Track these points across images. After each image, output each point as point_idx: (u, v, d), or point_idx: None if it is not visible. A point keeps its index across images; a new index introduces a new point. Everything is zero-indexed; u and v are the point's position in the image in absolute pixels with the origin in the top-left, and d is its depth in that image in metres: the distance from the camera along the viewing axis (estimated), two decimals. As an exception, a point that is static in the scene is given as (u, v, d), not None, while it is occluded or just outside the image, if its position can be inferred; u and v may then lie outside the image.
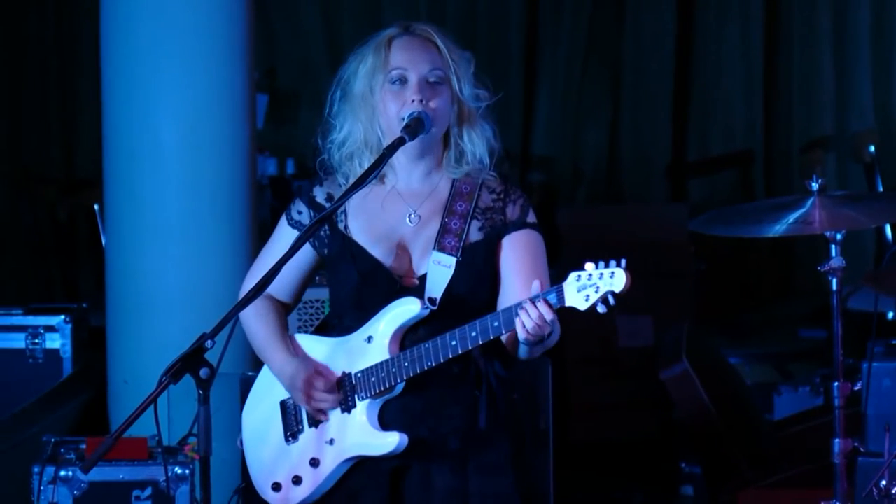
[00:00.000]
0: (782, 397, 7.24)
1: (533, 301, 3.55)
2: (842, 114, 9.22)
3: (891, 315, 7.57)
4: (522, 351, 3.73)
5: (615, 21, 9.35)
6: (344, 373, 3.78)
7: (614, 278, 3.51)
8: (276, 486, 3.83)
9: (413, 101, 3.74)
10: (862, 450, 4.91)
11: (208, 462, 3.52)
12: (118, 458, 5.03)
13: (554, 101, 9.32)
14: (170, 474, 5.07)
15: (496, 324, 3.61)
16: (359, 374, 3.75)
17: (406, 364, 3.69)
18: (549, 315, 3.56)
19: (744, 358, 8.00)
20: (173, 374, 3.46)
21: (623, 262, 3.51)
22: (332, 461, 3.77)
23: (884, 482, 4.63)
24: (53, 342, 6.16)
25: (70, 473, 5.04)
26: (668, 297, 7.88)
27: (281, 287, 3.90)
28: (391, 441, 3.73)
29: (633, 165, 9.34)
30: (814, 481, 5.36)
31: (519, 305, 3.57)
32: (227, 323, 3.57)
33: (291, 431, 3.84)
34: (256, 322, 3.91)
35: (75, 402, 5.96)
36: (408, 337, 3.75)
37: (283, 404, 3.87)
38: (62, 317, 6.19)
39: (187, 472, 5.07)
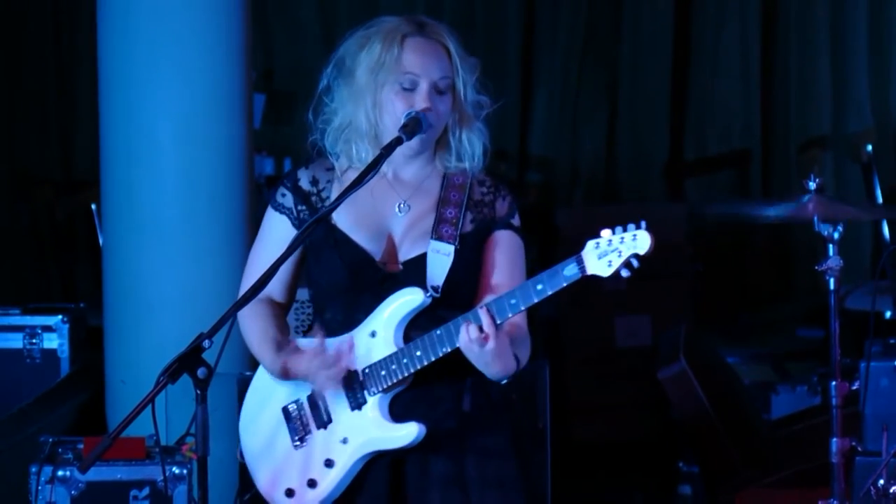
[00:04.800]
0: (780, 397, 7.25)
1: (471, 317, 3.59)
2: (839, 113, 9.21)
3: (888, 314, 7.57)
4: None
5: (612, 21, 9.35)
6: (349, 370, 3.77)
7: (637, 240, 3.50)
8: (290, 492, 3.80)
9: (422, 107, 3.75)
10: (860, 449, 4.92)
11: (206, 462, 3.52)
12: (116, 457, 5.03)
13: (551, 102, 9.32)
14: (167, 474, 5.07)
15: (513, 301, 3.62)
16: (367, 370, 3.74)
17: (418, 353, 3.68)
18: (474, 334, 3.57)
19: (741, 357, 8.00)
20: (171, 373, 3.46)
21: (643, 223, 3.51)
22: (347, 459, 3.75)
23: (881, 481, 4.64)
24: (51, 342, 6.16)
25: (68, 473, 5.04)
26: (666, 296, 7.88)
27: (274, 286, 3.87)
28: (410, 432, 3.72)
29: (630, 165, 9.33)
30: (811, 481, 5.36)
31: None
32: (225, 323, 3.57)
33: (299, 436, 3.81)
34: (250, 325, 3.89)
35: (73, 401, 5.96)
36: (410, 328, 3.74)
37: (285, 410, 3.84)
38: (60, 317, 6.19)
39: (185, 471, 5.07)
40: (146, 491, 5.07)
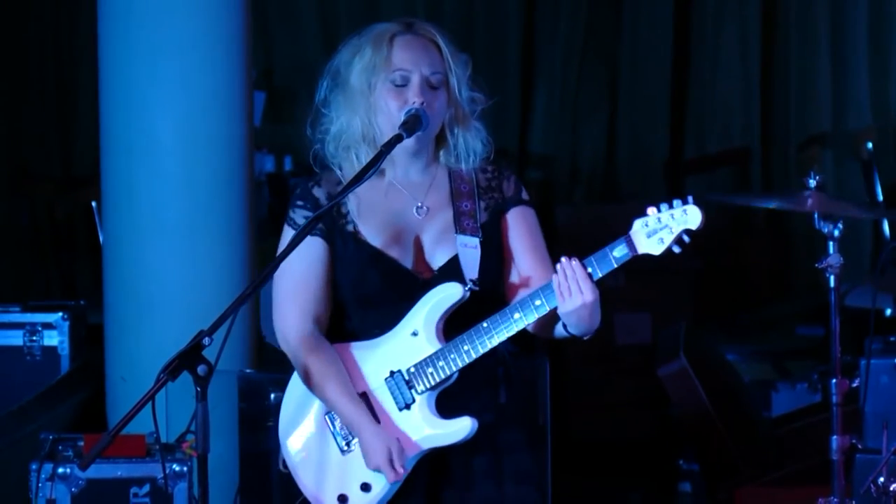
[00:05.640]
0: (780, 394, 7.25)
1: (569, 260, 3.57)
2: (839, 111, 9.22)
3: (888, 312, 7.57)
4: (559, 329, 3.73)
5: (612, 19, 9.35)
6: (391, 371, 3.75)
7: (689, 215, 3.54)
8: (343, 498, 3.75)
9: (415, 102, 3.75)
10: (860, 446, 4.92)
11: (206, 459, 3.51)
12: (116, 455, 5.03)
13: (551, 100, 9.32)
14: (167, 471, 5.07)
15: None
16: (411, 369, 3.72)
17: (466, 348, 3.67)
18: (582, 276, 3.56)
19: (741, 355, 8.00)
20: (171, 371, 3.46)
21: (690, 198, 3.54)
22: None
23: (882, 479, 4.64)
24: (51, 339, 6.16)
25: (68, 470, 5.04)
26: (666, 294, 7.88)
27: (322, 306, 3.82)
28: (464, 426, 3.69)
29: (630, 163, 9.33)
30: (812, 478, 5.37)
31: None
32: (225, 320, 3.57)
33: (346, 441, 3.77)
34: (324, 374, 3.77)
35: (73, 399, 5.96)
36: (448, 326, 3.72)
37: (329, 416, 3.80)
38: (60, 314, 6.19)
39: (185, 469, 5.08)
40: (146, 488, 5.07)
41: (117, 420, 3.50)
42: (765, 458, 6.11)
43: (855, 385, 4.84)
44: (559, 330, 3.74)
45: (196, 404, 3.49)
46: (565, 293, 3.59)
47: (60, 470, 5.04)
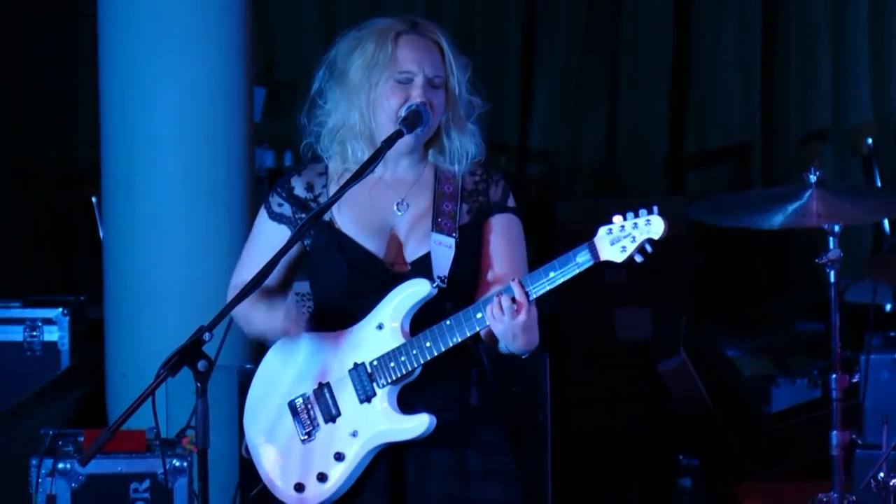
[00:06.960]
0: (780, 390, 7.26)
1: (503, 293, 3.60)
2: (839, 107, 9.21)
3: (888, 307, 7.58)
4: (502, 344, 3.75)
5: (613, 14, 9.35)
6: (355, 363, 3.77)
7: (651, 225, 3.54)
8: (300, 487, 3.78)
9: (416, 99, 3.76)
10: (860, 442, 4.93)
11: (206, 454, 3.52)
12: (116, 450, 5.04)
13: (552, 95, 9.32)
14: (168, 467, 5.08)
15: (526, 290, 3.62)
16: (374, 363, 3.74)
17: (428, 344, 3.69)
18: (508, 306, 3.58)
19: (742, 350, 8.01)
20: (171, 366, 3.47)
21: (655, 208, 3.54)
22: (358, 452, 3.75)
23: (882, 474, 4.64)
24: (51, 335, 6.16)
25: (68, 466, 5.05)
26: (666, 290, 7.89)
27: (272, 284, 3.87)
28: (421, 423, 3.71)
29: (630, 159, 9.33)
30: (812, 474, 5.37)
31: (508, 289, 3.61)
32: (225, 316, 3.58)
33: (307, 430, 3.79)
34: (251, 310, 3.87)
35: (73, 394, 5.97)
36: (417, 322, 3.74)
37: (291, 405, 3.82)
38: (60, 309, 6.19)
39: (185, 464, 5.08)
40: (146, 483, 5.08)
41: (117, 415, 3.51)
42: (765, 453, 6.11)
43: (855, 380, 4.84)
44: (502, 346, 3.76)
45: (196, 400, 3.50)
46: (497, 315, 3.61)
47: (60, 465, 5.05)
